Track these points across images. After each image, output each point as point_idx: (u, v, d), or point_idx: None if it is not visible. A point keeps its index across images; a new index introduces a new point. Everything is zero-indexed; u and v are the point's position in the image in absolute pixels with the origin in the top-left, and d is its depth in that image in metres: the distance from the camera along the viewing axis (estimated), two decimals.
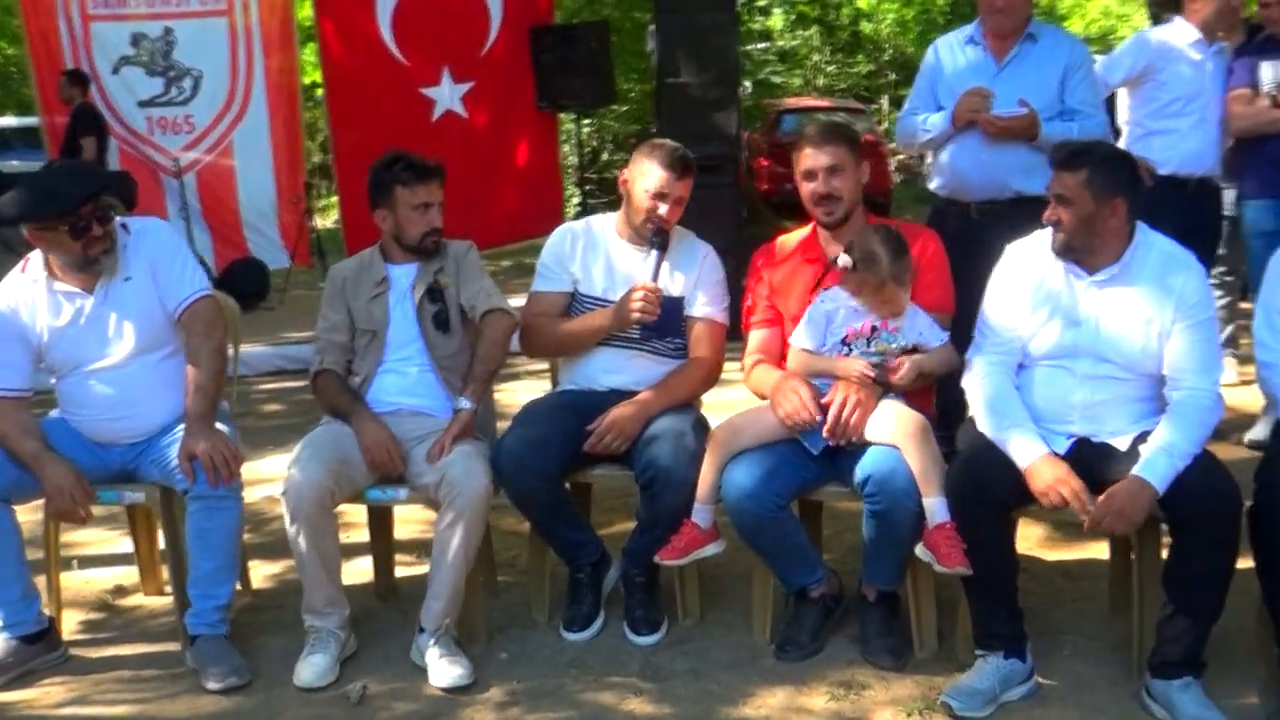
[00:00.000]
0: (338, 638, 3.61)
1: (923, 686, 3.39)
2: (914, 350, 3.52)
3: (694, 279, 3.86)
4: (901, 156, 24.25)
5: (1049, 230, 3.34)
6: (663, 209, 3.74)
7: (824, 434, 3.41)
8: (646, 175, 3.76)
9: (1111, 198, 3.22)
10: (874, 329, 3.49)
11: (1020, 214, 4.19)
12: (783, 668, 3.54)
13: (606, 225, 3.97)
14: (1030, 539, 4.35)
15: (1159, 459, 3.10)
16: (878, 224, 3.59)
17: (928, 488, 3.27)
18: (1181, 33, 5.21)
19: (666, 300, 3.76)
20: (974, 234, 4.30)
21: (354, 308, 3.84)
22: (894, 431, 3.34)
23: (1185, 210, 4.99)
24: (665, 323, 3.79)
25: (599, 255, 3.92)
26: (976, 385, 3.39)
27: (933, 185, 4.69)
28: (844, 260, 3.46)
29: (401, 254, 3.86)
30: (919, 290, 3.58)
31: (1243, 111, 5.11)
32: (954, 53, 4.60)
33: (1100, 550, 4.04)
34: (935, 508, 3.26)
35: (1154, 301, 3.27)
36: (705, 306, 3.87)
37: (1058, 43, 4.59)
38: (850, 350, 3.50)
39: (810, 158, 3.66)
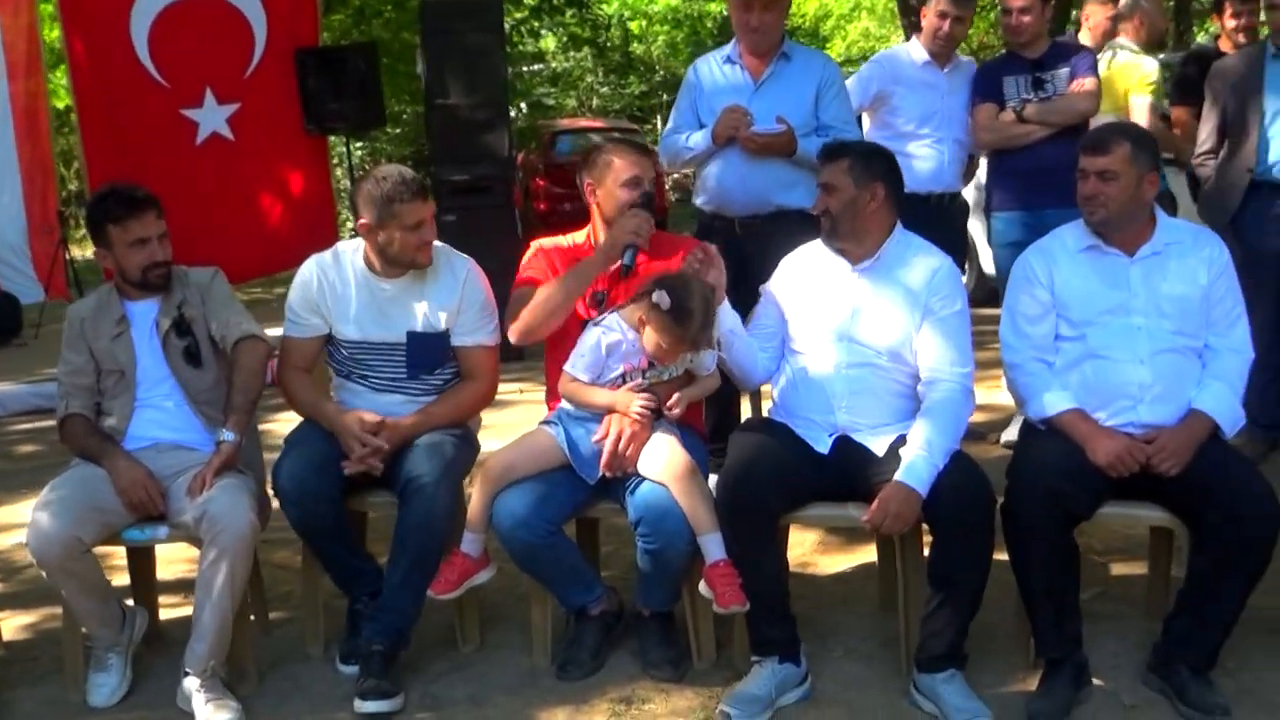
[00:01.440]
0: (121, 651, 3.54)
1: (702, 696, 3.43)
2: (688, 376, 3.57)
3: (455, 306, 3.72)
4: (676, 175, 24.76)
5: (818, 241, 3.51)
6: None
7: (601, 467, 3.44)
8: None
9: (870, 182, 3.45)
10: (651, 363, 3.50)
11: (781, 228, 4.34)
12: (563, 688, 3.52)
13: (355, 256, 3.75)
14: (803, 545, 4.47)
15: (919, 462, 3.23)
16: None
17: (700, 525, 3.32)
18: (913, 53, 5.41)
19: (428, 335, 3.70)
20: (739, 248, 4.39)
21: (96, 349, 3.64)
22: (662, 472, 3.37)
23: (930, 226, 5.16)
24: (429, 357, 3.72)
25: (351, 292, 3.74)
26: None
27: (698, 201, 4.77)
28: (660, 299, 3.32)
29: (134, 290, 3.69)
30: None
31: (989, 125, 5.33)
32: (713, 72, 4.70)
33: (869, 553, 4.17)
34: (710, 545, 3.31)
35: (908, 292, 3.46)
36: (474, 333, 3.76)
37: (810, 62, 4.75)
38: (626, 379, 3.51)
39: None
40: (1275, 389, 5.15)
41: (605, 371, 3.52)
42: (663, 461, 3.39)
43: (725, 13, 25.31)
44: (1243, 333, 3.47)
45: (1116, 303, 3.42)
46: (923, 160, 5.29)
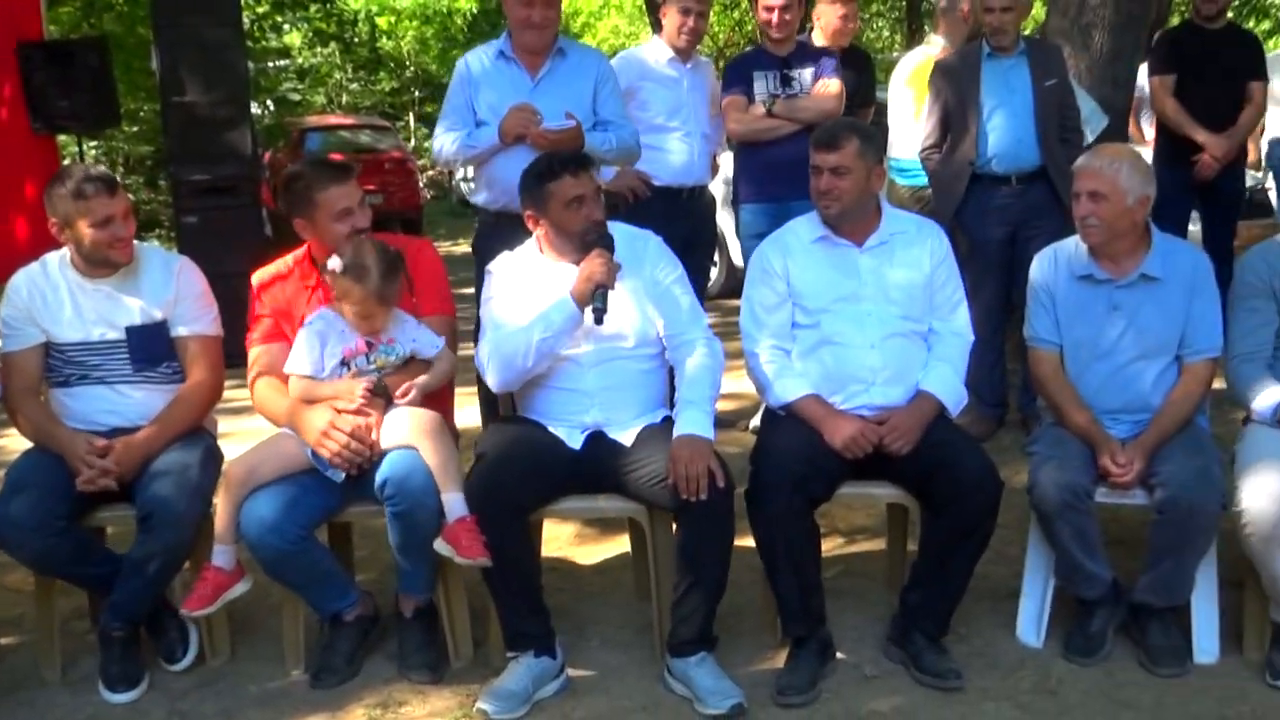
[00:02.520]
0: None
1: (460, 695, 3.42)
2: (413, 359, 3.55)
3: (171, 297, 3.65)
4: (431, 172, 24.51)
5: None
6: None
7: (341, 468, 3.39)
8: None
9: None
10: (370, 345, 3.48)
11: (654, 205, 4.35)
12: (318, 696, 3.46)
13: (63, 262, 3.65)
14: (560, 539, 4.50)
15: (694, 413, 3.40)
16: (377, 239, 3.54)
17: (446, 483, 3.31)
18: (657, 51, 5.51)
19: (147, 327, 3.60)
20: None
21: None
22: (409, 432, 3.36)
23: (681, 218, 5.30)
24: (151, 350, 3.62)
25: (63, 297, 3.62)
26: None
27: (479, 199, 4.66)
28: (334, 263, 3.41)
29: None
30: (422, 299, 3.65)
31: (739, 118, 5.48)
32: (487, 68, 4.63)
33: (624, 543, 4.24)
34: (453, 503, 3.30)
35: (635, 275, 3.55)
36: (192, 323, 3.68)
37: (585, 58, 4.76)
38: (350, 368, 3.48)
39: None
40: (1000, 370, 5.47)
41: (329, 362, 3.48)
42: (406, 423, 3.38)
43: (475, 9, 25.43)
44: (964, 317, 3.67)
45: (848, 291, 3.57)
46: (674, 154, 5.40)
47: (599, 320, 3.42)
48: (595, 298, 3.40)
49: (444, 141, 4.59)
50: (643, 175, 5.21)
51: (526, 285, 3.56)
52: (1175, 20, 13.14)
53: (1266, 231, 4.00)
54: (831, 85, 5.38)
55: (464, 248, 15.05)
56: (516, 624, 3.40)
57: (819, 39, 6.04)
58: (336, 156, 13.54)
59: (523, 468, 3.38)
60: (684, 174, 5.44)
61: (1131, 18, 6.42)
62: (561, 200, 3.46)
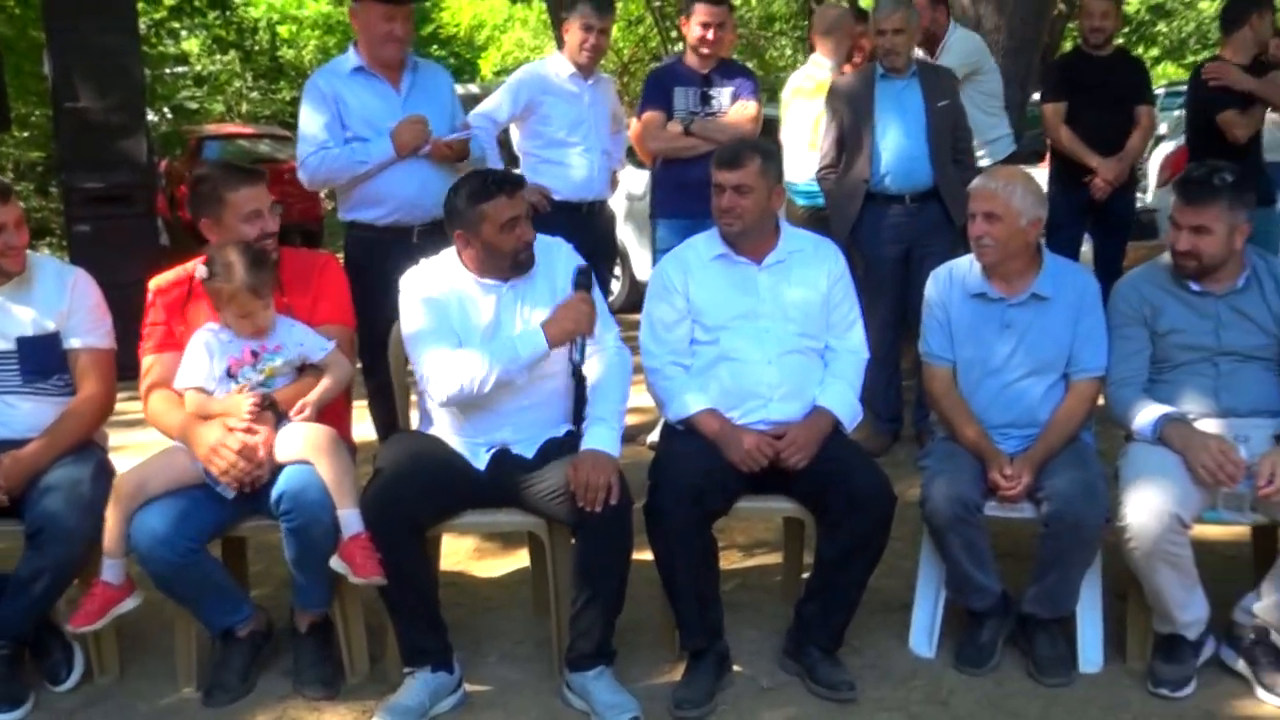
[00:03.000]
0: None
1: (356, 711, 3.40)
2: (305, 369, 3.53)
3: (65, 309, 3.60)
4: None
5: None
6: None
7: (231, 485, 3.34)
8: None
9: None
10: (255, 354, 3.45)
11: (554, 220, 4.53)
12: (210, 714, 3.41)
13: None
14: (460, 553, 4.49)
15: (602, 430, 3.43)
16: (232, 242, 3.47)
17: (341, 499, 3.28)
18: (559, 66, 5.52)
19: (38, 338, 3.54)
20: (415, 256, 4.32)
21: None
22: (304, 447, 3.33)
23: (580, 232, 5.30)
24: (43, 362, 3.55)
25: None
26: None
27: (365, 215, 4.59)
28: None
29: None
30: (319, 306, 3.64)
31: (656, 135, 5.51)
32: (345, 84, 4.57)
33: (524, 558, 4.23)
34: (349, 519, 3.27)
35: (553, 292, 3.56)
36: (85, 335, 3.63)
37: (436, 71, 4.85)
38: (237, 380, 3.44)
39: None
40: (895, 386, 5.57)
41: (216, 372, 3.44)
42: (301, 437, 3.35)
43: None
44: (859, 335, 3.74)
45: (746, 308, 3.62)
46: (575, 169, 5.40)
47: (581, 360, 3.48)
48: (575, 346, 3.45)
49: (320, 160, 4.48)
50: (543, 189, 5.22)
51: (453, 302, 3.52)
52: (1067, 46, 13.52)
53: (1153, 252, 4.12)
54: (749, 108, 5.46)
55: None
56: (413, 639, 3.38)
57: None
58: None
59: (421, 483, 3.36)
60: (584, 189, 5.45)
61: (1025, 42, 6.60)
62: (496, 222, 3.44)
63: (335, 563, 3.27)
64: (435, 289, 3.54)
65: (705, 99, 5.47)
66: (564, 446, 3.48)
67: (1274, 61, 6.05)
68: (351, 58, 4.59)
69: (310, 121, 4.55)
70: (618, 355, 3.60)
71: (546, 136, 5.37)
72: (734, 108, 5.46)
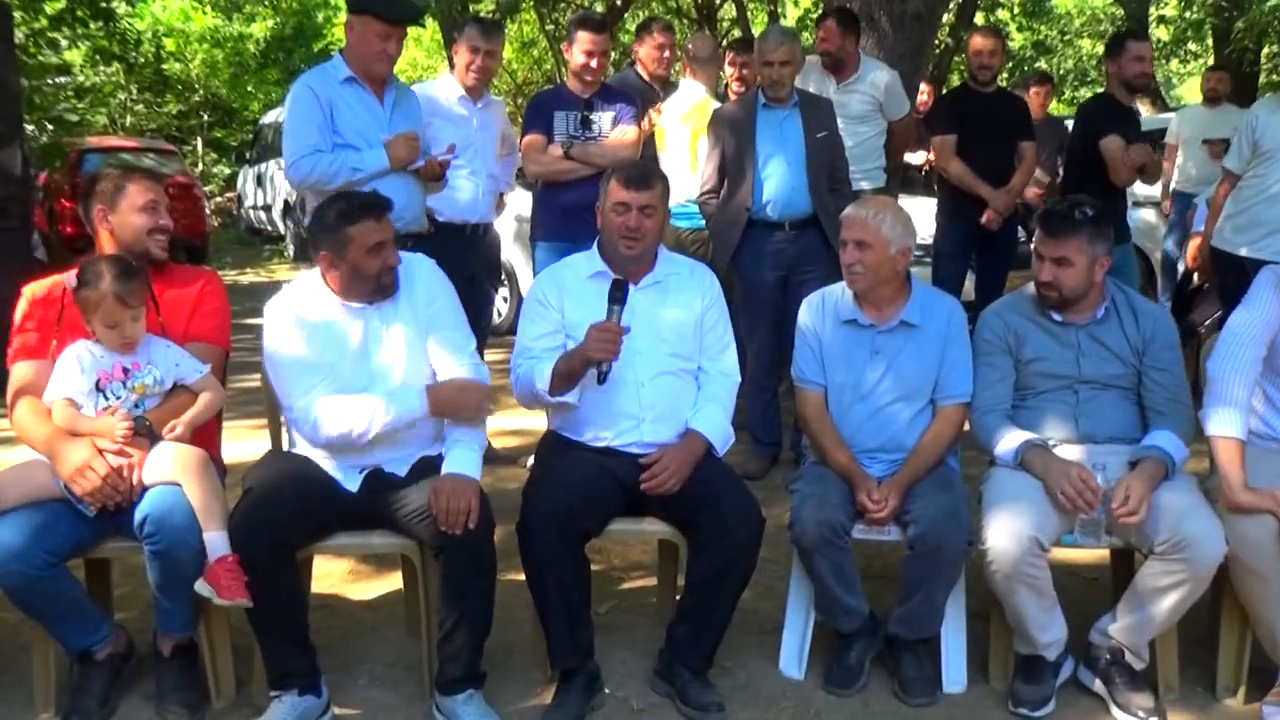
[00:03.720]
0: None
1: None
2: (176, 388, 3.48)
3: None
4: (219, 199, 23.84)
5: None
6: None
7: (92, 505, 3.28)
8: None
9: None
10: (126, 370, 3.39)
11: (424, 245, 4.47)
12: None
13: None
14: (333, 575, 4.43)
15: (462, 452, 3.42)
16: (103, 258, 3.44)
17: (208, 521, 3.23)
18: (448, 88, 5.52)
19: None
20: None
21: None
22: (172, 468, 3.27)
23: (466, 255, 5.31)
24: None
25: None
26: None
27: None
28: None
29: None
30: (195, 323, 3.59)
31: (537, 158, 5.52)
32: (336, 92, 4.63)
33: (397, 580, 4.19)
34: (215, 542, 3.22)
35: (415, 318, 3.55)
36: None
37: (408, 90, 5.01)
38: (106, 397, 3.37)
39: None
40: (773, 410, 5.63)
41: (86, 386, 3.37)
42: (169, 459, 3.29)
43: (268, 36, 24.89)
44: (732, 358, 3.78)
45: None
46: (461, 191, 5.39)
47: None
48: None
49: (314, 163, 4.55)
50: (429, 211, 5.21)
51: (321, 328, 3.48)
52: (955, 81, 13.87)
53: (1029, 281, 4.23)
54: (629, 133, 5.51)
55: (251, 277, 14.81)
56: (281, 662, 3.33)
57: (643, 72, 6.20)
58: None
59: (291, 504, 3.32)
60: (469, 211, 5.46)
61: (905, 76, 6.75)
62: (363, 245, 3.42)
63: (200, 585, 3.21)
64: (303, 315, 3.50)
65: (586, 123, 5.52)
66: (434, 468, 3.45)
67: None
68: (342, 67, 4.67)
69: (304, 123, 4.61)
70: (474, 373, 3.59)
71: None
72: (614, 132, 5.51)
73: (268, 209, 18.53)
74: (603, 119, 5.54)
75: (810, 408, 3.80)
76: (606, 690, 3.55)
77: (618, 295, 3.51)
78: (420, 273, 3.63)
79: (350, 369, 3.46)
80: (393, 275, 3.49)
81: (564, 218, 5.49)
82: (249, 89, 25.92)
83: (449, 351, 3.56)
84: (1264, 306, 3.49)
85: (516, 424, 6.05)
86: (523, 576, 3.43)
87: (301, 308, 3.50)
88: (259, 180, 18.84)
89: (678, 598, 3.65)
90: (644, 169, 3.76)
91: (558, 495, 3.38)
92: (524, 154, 5.66)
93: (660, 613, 4.00)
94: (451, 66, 5.71)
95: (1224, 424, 3.40)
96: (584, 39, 5.49)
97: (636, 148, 5.55)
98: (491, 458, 4.32)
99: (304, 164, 4.56)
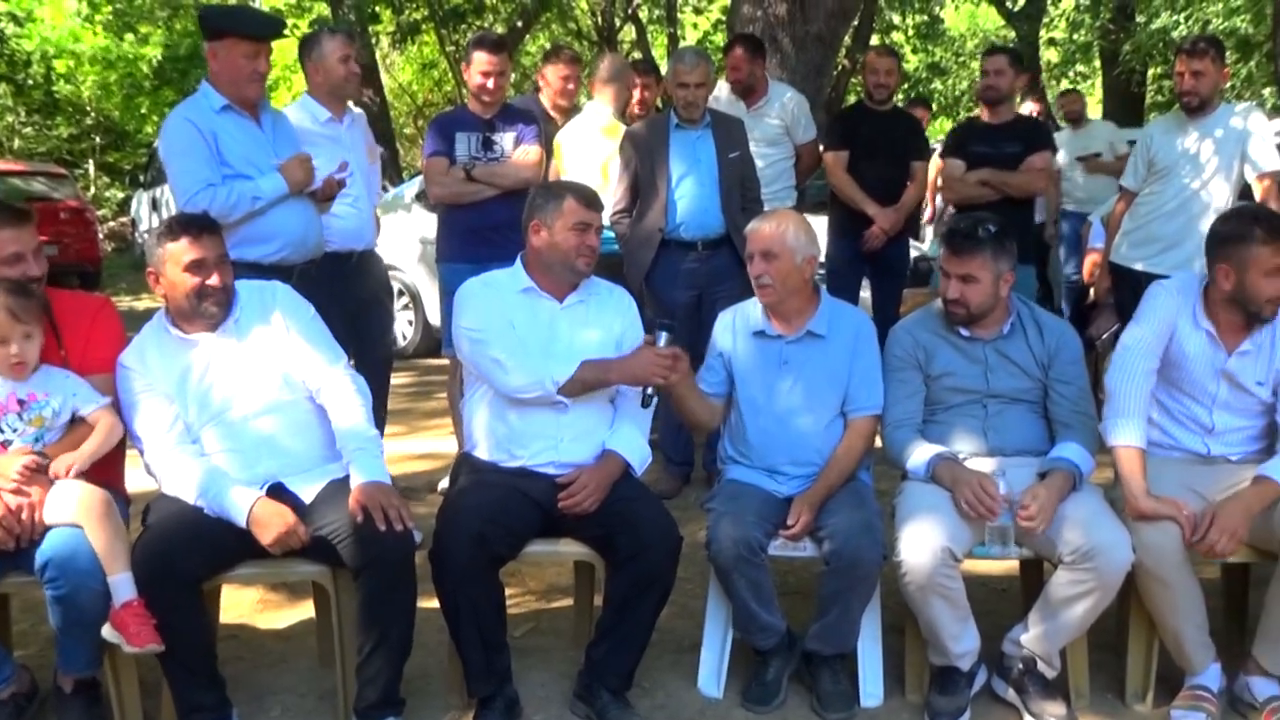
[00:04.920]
0: None
1: None
2: (75, 420, 3.38)
3: None
4: (112, 223, 23.32)
5: None
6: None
7: None
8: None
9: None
10: (21, 402, 3.29)
11: (326, 270, 4.64)
12: None
13: None
14: (242, 605, 4.34)
15: (366, 460, 3.39)
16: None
17: (112, 565, 3.14)
18: (309, 111, 5.24)
19: None
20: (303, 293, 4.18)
21: None
22: (75, 510, 3.18)
23: (350, 280, 5.15)
24: None
25: None
26: None
27: (252, 254, 4.49)
28: None
29: None
30: (90, 353, 3.49)
31: (440, 180, 5.46)
32: (215, 121, 4.49)
33: (309, 608, 4.12)
34: (121, 586, 3.14)
35: (262, 326, 3.54)
36: None
37: (278, 112, 4.88)
38: (1, 431, 3.27)
39: None
40: (686, 430, 5.62)
41: None
42: (74, 500, 3.20)
43: (160, 56, 24.44)
44: None
45: (544, 345, 3.62)
46: (342, 219, 5.18)
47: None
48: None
49: (212, 197, 4.37)
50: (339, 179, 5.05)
51: (163, 363, 3.45)
52: (851, 100, 14.06)
53: (929, 298, 4.31)
54: (531, 153, 5.47)
55: (147, 303, 14.46)
56: (189, 696, 3.26)
57: (546, 99, 6.17)
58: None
59: (193, 535, 3.24)
60: (353, 239, 5.23)
61: (807, 96, 6.84)
62: (179, 263, 3.37)
63: (108, 632, 3.13)
64: (149, 355, 3.45)
65: (488, 144, 5.46)
66: (342, 490, 3.38)
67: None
68: (214, 96, 4.52)
69: (190, 158, 4.45)
70: (354, 383, 3.55)
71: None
72: (516, 152, 5.47)
73: None
74: (504, 139, 5.50)
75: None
76: (526, 715, 3.52)
77: (667, 321, 3.68)
78: (276, 297, 3.59)
79: (195, 404, 3.43)
80: (220, 297, 3.43)
81: (469, 239, 5.43)
82: (143, 111, 25.37)
83: (320, 367, 3.53)
84: (1155, 320, 3.60)
85: (426, 448, 6.00)
86: (437, 602, 3.39)
87: (151, 348, 3.47)
88: (154, 204, 18.47)
89: (596, 619, 3.63)
90: (594, 191, 3.77)
91: (471, 519, 3.35)
92: (426, 176, 5.59)
93: (578, 635, 3.97)
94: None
95: (1124, 435, 3.51)
96: (481, 60, 5.43)
97: (540, 168, 5.53)
98: (403, 484, 4.27)
99: (200, 199, 4.38)
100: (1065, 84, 23.37)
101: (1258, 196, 5.50)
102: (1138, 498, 3.41)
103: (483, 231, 5.33)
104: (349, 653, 3.39)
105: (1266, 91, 19.09)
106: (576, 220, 3.61)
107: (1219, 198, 5.53)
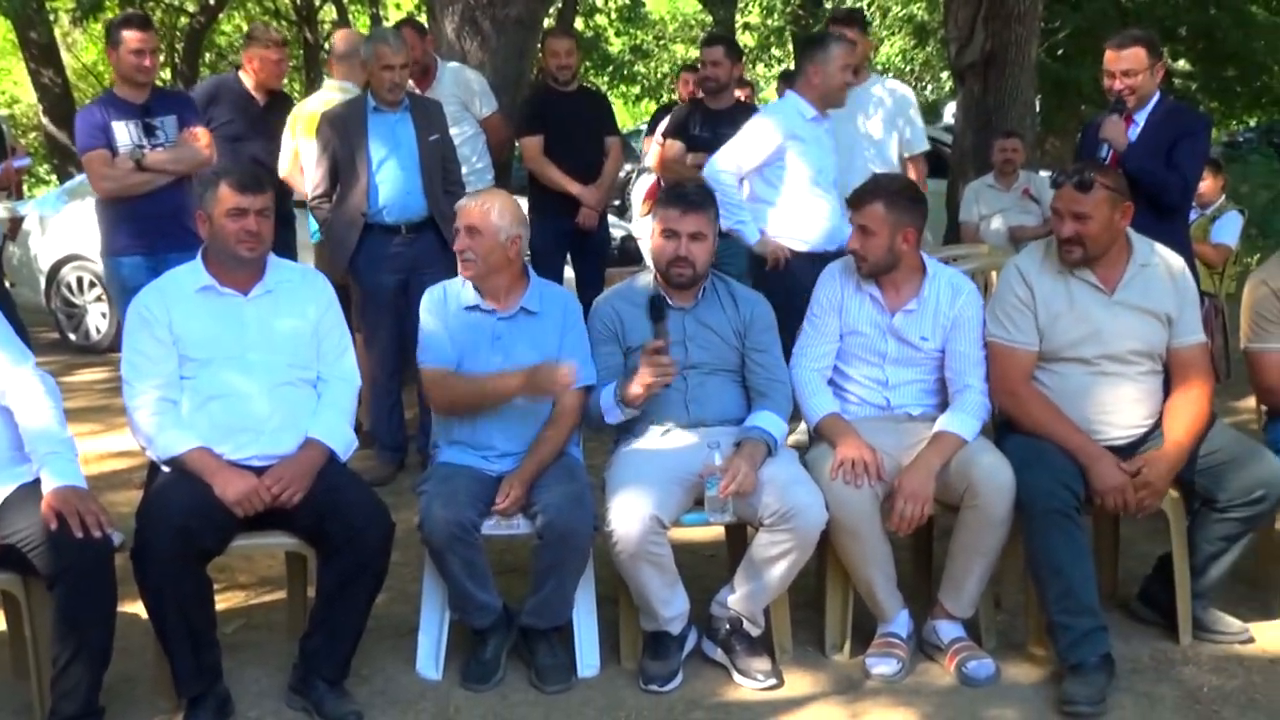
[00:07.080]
0: None
1: None
2: None
3: None
4: None
5: None
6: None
7: None
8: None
9: None
10: None
11: None
12: None
13: None
14: None
15: (60, 464, 3.24)
16: None
17: None
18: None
19: None
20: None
21: None
22: None
23: None
24: None
25: None
26: None
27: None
28: None
29: None
30: None
31: (107, 174, 5.17)
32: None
33: None
34: None
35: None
36: None
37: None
38: None
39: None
40: (398, 413, 5.60)
41: None
42: None
43: None
44: (350, 362, 3.74)
45: (233, 341, 3.53)
46: None
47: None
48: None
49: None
50: None
51: None
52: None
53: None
54: (200, 133, 5.33)
55: None
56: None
57: (248, 81, 6.02)
58: None
59: None
60: None
61: (508, 79, 6.88)
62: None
63: None
64: None
65: (149, 130, 5.27)
66: (31, 494, 3.22)
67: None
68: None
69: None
70: (43, 383, 3.40)
71: None
72: (184, 135, 5.31)
73: None
74: (166, 124, 5.30)
75: (434, 388, 3.83)
76: (240, 711, 3.44)
77: (659, 314, 3.77)
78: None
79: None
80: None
81: (143, 230, 5.26)
82: None
83: (3, 368, 3.38)
84: (820, 313, 3.97)
85: (123, 445, 5.73)
86: (139, 603, 3.28)
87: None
88: None
89: (309, 610, 3.57)
90: (256, 173, 3.67)
91: (173, 514, 3.24)
92: (90, 172, 5.32)
93: (291, 627, 3.90)
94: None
95: (818, 411, 3.86)
96: (133, 38, 5.18)
97: (212, 149, 5.38)
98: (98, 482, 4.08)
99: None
100: (761, 68, 24.30)
101: None
102: (845, 445, 3.66)
103: (154, 219, 5.19)
104: (44, 664, 3.24)
105: (945, 75, 20.37)
106: (230, 206, 3.53)
107: None
